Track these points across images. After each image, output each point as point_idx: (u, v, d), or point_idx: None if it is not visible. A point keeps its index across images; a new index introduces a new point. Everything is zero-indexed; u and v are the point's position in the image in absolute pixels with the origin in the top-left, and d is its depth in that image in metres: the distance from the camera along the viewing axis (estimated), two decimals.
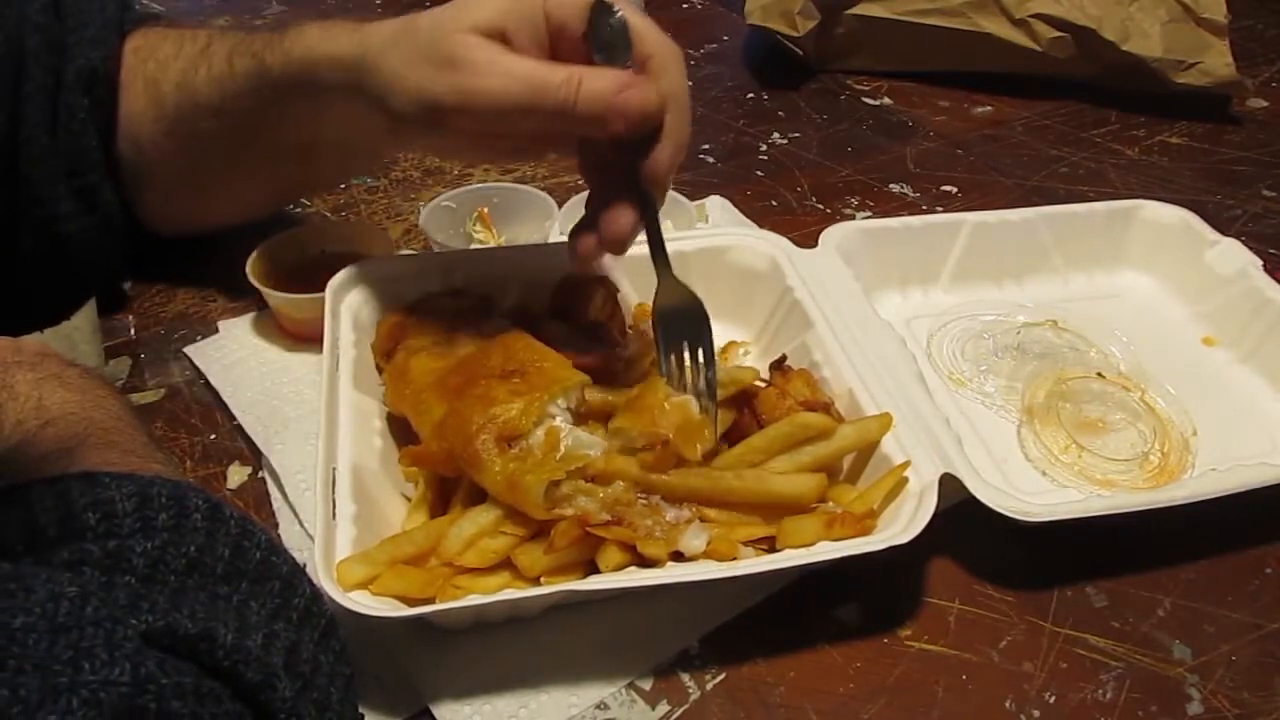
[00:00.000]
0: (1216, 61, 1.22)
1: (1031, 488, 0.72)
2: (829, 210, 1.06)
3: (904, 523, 0.60)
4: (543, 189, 0.92)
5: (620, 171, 0.66)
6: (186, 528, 0.43)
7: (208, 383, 0.79)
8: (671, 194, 0.92)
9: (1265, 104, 1.33)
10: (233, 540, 0.44)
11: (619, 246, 0.67)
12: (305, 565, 0.49)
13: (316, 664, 0.43)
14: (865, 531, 0.61)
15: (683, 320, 0.68)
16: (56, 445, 0.52)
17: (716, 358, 0.67)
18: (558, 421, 0.62)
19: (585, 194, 0.91)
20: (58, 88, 0.75)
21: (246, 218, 0.87)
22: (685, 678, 0.60)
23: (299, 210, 1.02)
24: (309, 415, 0.74)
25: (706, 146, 1.17)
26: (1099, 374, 0.83)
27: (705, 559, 0.60)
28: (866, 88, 1.33)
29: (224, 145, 0.78)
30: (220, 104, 0.75)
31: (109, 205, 0.79)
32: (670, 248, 0.82)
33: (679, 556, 0.60)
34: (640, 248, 0.82)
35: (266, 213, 0.90)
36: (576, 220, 0.90)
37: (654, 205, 0.67)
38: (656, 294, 0.69)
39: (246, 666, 0.39)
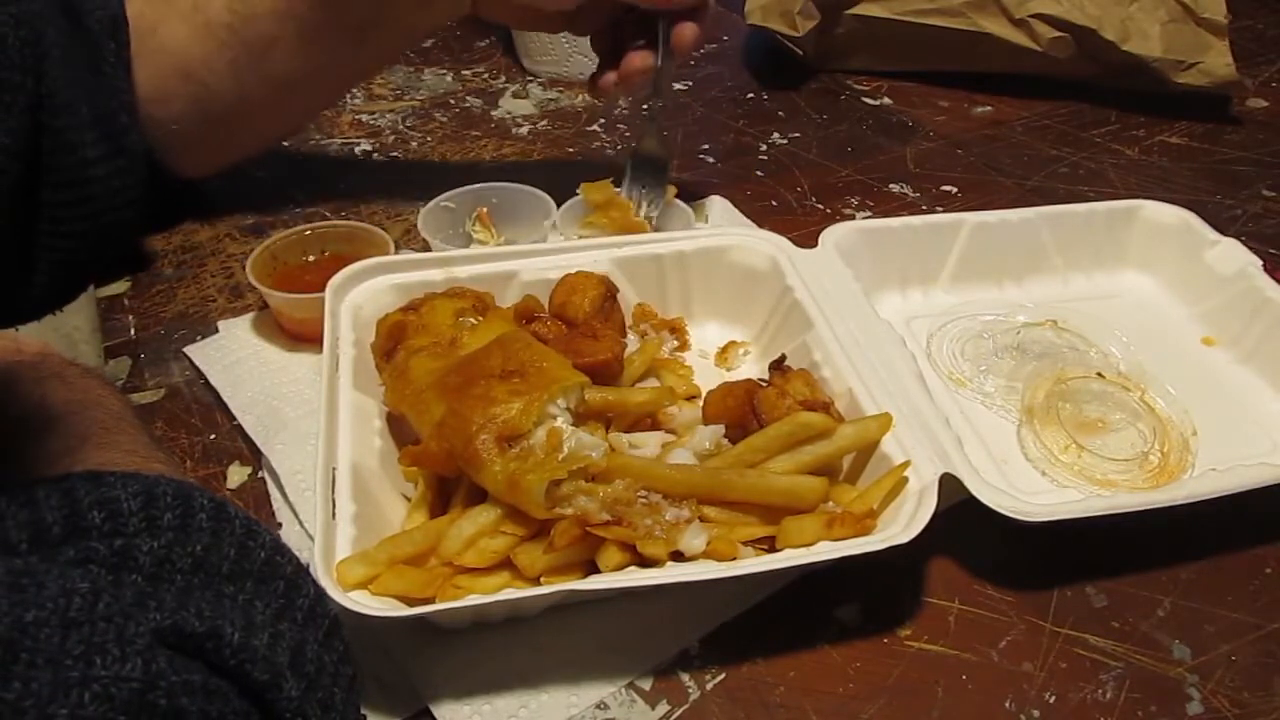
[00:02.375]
0: (1216, 61, 1.22)
1: (1031, 488, 0.72)
2: (829, 210, 1.06)
3: (904, 523, 0.60)
4: (542, 189, 0.92)
5: (633, 38, 0.90)
6: (192, 527, 0.43)
7: (208, 383, 0.79)
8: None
9: (1265, 104, 1.33)
10: (238, 540, 0.44)
11: (634, 79, 0.90)
12: (307, 565, 0.49)
13: (321, 664, 0.43)
14: (865, 531, 0.61)
15: (649, 170, 0.93)
16: (59, 444, 0.52)
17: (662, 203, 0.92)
18: (559, 422, 0.62)
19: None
20: (72, 42, 0.78)
21: (293, 126, 1.03)
22: (685, 678, 0.60)
23: (299, 210, 1.02)
24: (309, 415, 0.74)
25: (706, 146, 1.17)
26: (1099, 374, 0.83)
27: (705, 559, 0.60)
28: (866, 88, 1.33)
29: (286, 43, 0.84)
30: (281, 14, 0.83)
31: (135, 147, 0.82)
32: (670, 248, 0.83)
33: (679, 556, 0.60)
34: (637, 248, 0.83)
35: (313, 116, 1.11)
36: (576, 221, 0.91)
37: (670, 61, 0.89)
38: (641, 138, 0.94)
39: (253, 665, 0.39)
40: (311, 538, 0.60)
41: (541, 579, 0.60)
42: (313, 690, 0.41)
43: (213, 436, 0.76)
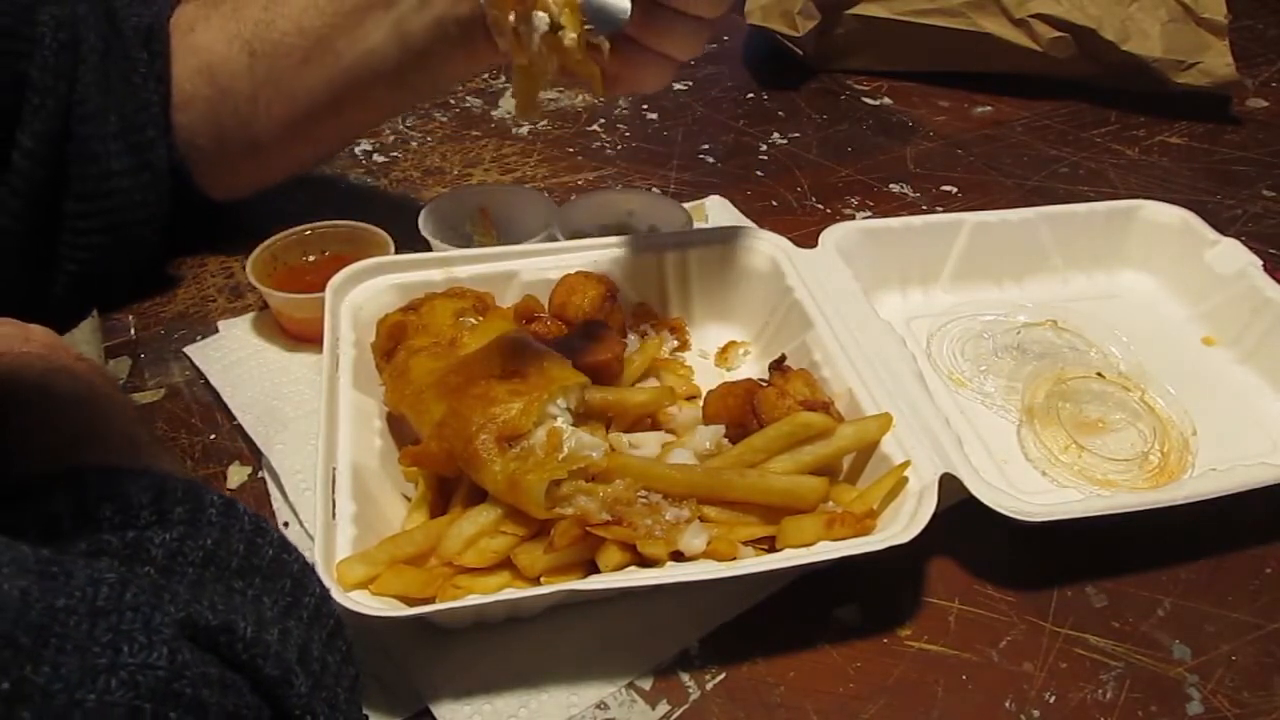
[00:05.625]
0: (1216, 61, 1.22)
1: (1031, 488, 0.72)
2: (829, 210, 1.06)
3: (904, 523, 0.60)
4: (543, 189, 0.92)
5: None
6: (202, 521, 0.43)
7: (208, 383, 0.79)
8: (663, 197, 0.93)
9: (1265, 104, 1.33)
10: (247, 536, 0.44)
11: None
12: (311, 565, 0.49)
13: (325, 663, 0.43)
14: (865, 531, 0.61)
15: None
16: (67, 437, 0.52)
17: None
18: (559, 422, 0.62)
19: (584, 195, 0.92)
20: (110, 48, 0.77)
21: (307, 156, 0.92)
22: (685, 678, 0.60)
23: (299, 210, 1.02)
24: (309, 415, 0.74)
25: (706, 146, 1.17)
26: (1099, 374, 0.83)
27: (705, 559, 0.60)
28: (866, 88, 1.33)
29: (314, 73, 0.81)
30: (304, 24, 0.79)
31: (160, 163, 0.80)
32: (670, 248, 0.83)
33: (679, 556, 0.60)
34: (637, 248, 0.83)
35: (336, 147, 0.99)
36: (576, 220, 0.91)
37: None
38: None
39: (265, 661, 0.39)
40: (311, 537, 0.60)
41: (541, 579, 0.60)
42: (319, 688, 0.41)
43: (213, 436, 0.76)
